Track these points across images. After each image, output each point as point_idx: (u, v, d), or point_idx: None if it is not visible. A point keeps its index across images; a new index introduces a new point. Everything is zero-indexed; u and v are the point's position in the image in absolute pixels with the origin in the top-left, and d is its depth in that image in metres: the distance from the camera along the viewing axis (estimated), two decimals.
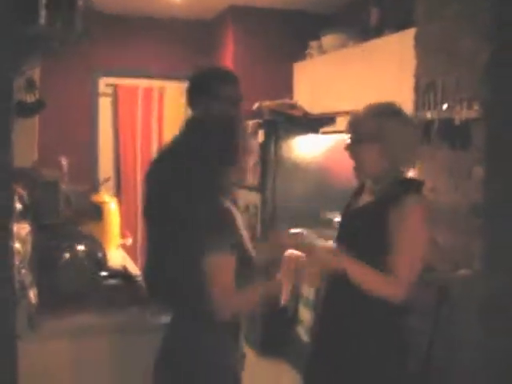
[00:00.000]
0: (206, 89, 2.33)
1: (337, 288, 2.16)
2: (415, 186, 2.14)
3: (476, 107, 2.99)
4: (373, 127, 2.11)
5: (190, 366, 1.93)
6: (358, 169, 2.19)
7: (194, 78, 2.44)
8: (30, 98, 3.34)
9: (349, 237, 2.20)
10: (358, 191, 2.30)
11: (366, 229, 2.12)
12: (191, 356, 1.93)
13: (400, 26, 3.81)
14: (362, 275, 2.02)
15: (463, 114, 3.04)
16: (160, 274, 2.02)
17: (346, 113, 4.56)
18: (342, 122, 4.78)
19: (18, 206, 2.74)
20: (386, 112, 2.15)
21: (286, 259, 2.06)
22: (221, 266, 1.86)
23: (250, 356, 4.37)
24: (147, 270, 2.10)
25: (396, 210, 2.05)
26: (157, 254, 2.04)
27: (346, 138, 2.21)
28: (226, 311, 1.89)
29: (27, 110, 3.31)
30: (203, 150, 2.03)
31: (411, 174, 2.53)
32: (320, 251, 2.07)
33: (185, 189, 1.93)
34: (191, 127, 2.17)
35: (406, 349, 2.17)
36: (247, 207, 4.79)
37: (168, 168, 2.09)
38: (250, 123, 4.78)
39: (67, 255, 2.13)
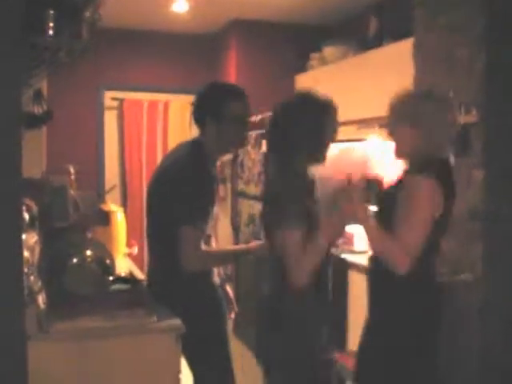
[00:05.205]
0: (214, 108, 2.40)
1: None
2: (431, 165, 2.16)
3: (474, 112, 3.04)
4: (408, 111, 2.19)
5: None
6: (396, 150, 2.28)
7: (201, 96, 2.46)
8: (37, 110, 3.42)
9: (377, 214, 2.30)
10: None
11: (386, 208, 2.23)
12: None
13: (398, 36, 3.87)
14: (376, 238, 2.13)
15: (462, 119, 3.09)
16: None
17: (349, 122, 4.62)
18: (344, 131, 4.82)
19: (26, 216, 2.80)
20: (423, 96, 2.23)
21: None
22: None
23: (250, 361, 4.40)
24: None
25: (404, 188, 2.15)
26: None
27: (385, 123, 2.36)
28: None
29: (35, 122, 3.38)
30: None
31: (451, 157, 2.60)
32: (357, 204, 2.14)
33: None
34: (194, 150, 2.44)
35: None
36: (252, 217, 4.84)
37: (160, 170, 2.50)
38: (253, 134, 4.84)
39: (75, 260, 2.18)
